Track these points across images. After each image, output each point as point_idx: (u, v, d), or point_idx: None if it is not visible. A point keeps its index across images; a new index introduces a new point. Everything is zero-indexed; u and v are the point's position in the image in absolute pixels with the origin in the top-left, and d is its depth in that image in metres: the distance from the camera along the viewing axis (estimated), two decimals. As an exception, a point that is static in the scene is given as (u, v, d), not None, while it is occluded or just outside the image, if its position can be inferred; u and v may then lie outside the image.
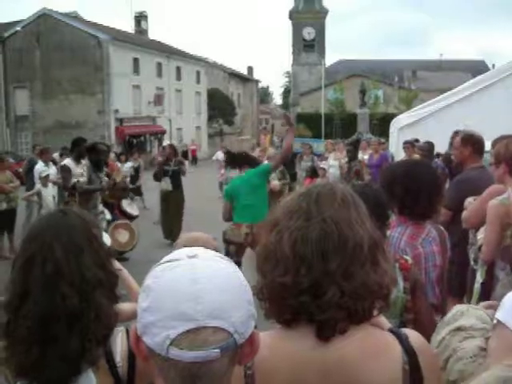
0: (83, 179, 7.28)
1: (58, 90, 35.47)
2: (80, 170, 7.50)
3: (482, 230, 3.52)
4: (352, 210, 1.37)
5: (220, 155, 20.27)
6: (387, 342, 1.35)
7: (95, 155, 7.56)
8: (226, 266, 1.00)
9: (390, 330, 1.40)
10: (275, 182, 10.91)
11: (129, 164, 15.32)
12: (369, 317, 1.34)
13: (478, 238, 3.56)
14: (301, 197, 1.40)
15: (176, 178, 10.94)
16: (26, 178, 11.24)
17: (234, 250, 6.04)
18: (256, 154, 14.26)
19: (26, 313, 1.51)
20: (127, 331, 1.60)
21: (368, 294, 1.31)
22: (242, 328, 0.95)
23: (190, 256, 0.99)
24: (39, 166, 10.50)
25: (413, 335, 1.39)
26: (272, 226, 1.40)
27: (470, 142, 4.54)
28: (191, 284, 0.93)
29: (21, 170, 12.27)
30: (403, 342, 1.34)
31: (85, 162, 7.62)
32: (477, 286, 2.95)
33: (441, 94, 11.80)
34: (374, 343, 1.33)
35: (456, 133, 4.87)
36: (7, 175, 9.90)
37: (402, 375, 1.30)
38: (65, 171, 8.28)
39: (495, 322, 1.58)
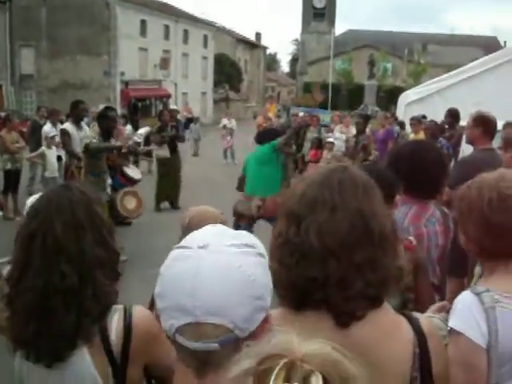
0: (95, 141, 7.25)
1: (64, 50, 35.06)
2: (83, 134, 7.46)
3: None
4: (374, 199, 1.37)
5: (225, 121, 20.17)
6: (400, 324, 1.37)
7: (106, 122, 7.53)
8: (234, 259, 0.99)
9: (403, 314, 1.42)
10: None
11: (143, 130, 15.14)
12: (383, 300, 1.36)
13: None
14: (321, 186, 1.37)
15: (172, 143, 11.04)
16: (30, 140, 11.21)
17: (245, 224, 6.08)
18: (259, 122, 14.24)
19: (25, 286, 1.53)
20: (125, 310, 1.60)
21: (390, 281, 1.34)
22: (245, 324, 0.97)
23: (201, 246, 1.00)
24: (47, 128, 10.48)
25: (423, 319, 1.42)
26: (292, 217, 1.37)
27: (482, 123, 4.50)
28: (193, 279, 0.96)
29: (25, 130, 12.26)
30: (415, 325, 1.37)
31: (95, 128, 7.56)
32: (478, 268, 2.96)
33: (450, 69, 11.67)
34: (388, 326, 1.35)
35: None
36: (13, 136, 9.89)
37: (412, 357, 1.33)
38: (64, 135, 8.29)
39: (449, 329, 1.61)
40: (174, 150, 11.10)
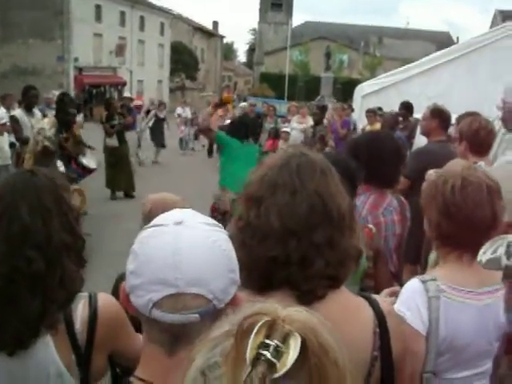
0: (50, 133, 7.10)
1: (16, 34, 33.92)
2: (35, 120, 7.30)
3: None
4: (331, 181, 1.41)
5: (180, 110, 20.03)
6: (360, 304, 1.41)
7: (63, 115, 7.40)
8: (210, 234, 1.04)
9: (361, 295, 1.47)
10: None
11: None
12: (344, 280, 1.40)
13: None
14: (281, 169, 1.41)
15: (121, 132, 11.00)
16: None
17: (220, 218, 5.99)
18: (218, 113, 14.17)
19: None
20: (90, 297, 1.58)
21: (349, 261, 1.38)
22: (222, 295, 1.01)
23: (177, 222, 1.02)
24: (0, 113, 10.19)
25: (381, 300, 1.47)
26: (252, 200, 1.40)
27: (438, 115, 4.62)
28: (173, 254, 0.99)
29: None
30: (374, 305, 1.41)
31: (52, 120, 7.41)
32: (432, 256, 3.06)
33: (404, 63, 11.87)
34: (349, 306, 1.39)
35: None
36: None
37: (373, 336, 1.37)
38: (13, 122, 8.18)
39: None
40: (122, 139, 11.06)
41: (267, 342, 0.63)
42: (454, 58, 9.80)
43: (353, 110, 12.06)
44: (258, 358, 0.61)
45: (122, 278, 2.24)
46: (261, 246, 1.34)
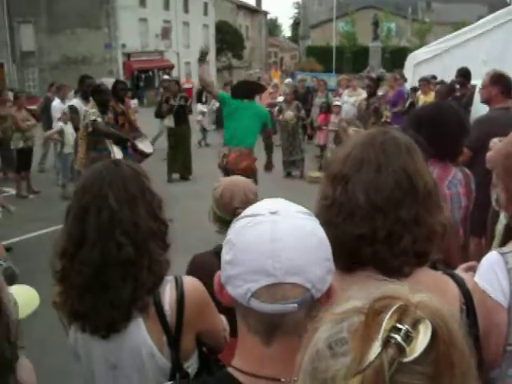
0: (100, 119, 7.24)
1: (64, 25, 34.69)
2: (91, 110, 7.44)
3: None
4: (416, 158, 1.42)
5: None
6: (446, 283, 1.42)
7: (98, 96, 7.49)
8: (306, 223, 1.04)
9: (445, 272, 1.47)
10: (289, 113, 10.92)
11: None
12: (430, 257, 1.41)
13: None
14: (365, 147, 1.42)
15: (179, 114, 10.95)
16: (42, 117, 11.15)
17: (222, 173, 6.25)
18: (268, 91, 14.14)
19: (81, 260, 1.56)
20: (176, 281, 1.64)
21: (435, 237, 1.38)
22: (319, 284, 1.01)
23: (272, 212, 1.02)
24: (56, 103, 10.47)
25: (467, 278, 1.47)
26: (337, 179, 1.41)
27: (499, 82, 4.47)
28: (271, 242, 0.98)
29: (33, 107, 12.22)
30: (459, 282, 1.41)
31: (92, 103, 7.50)
32: (500, 227, 3.00)
33: (455, 27, 11.49)
34: (435, 284, 1.39)
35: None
36: (23, 113, 9.88)
37: (460, 315, 1.37)
38: (72, 111, 8.35)
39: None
40: (180, 120, 11.01)
41: (399, 326, 0.63)
42: (510, 19, 9.41)
43: (405, 80, 11.79)
44: (388, 340, 0.62)
45: (192, 262, 2.32)
46: (347, 223, 1.35)
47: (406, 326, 0.63)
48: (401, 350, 0.62)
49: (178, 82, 12.56)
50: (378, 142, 1.42)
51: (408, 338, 0.63)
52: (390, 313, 0.64)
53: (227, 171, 6.03)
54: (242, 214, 1.07)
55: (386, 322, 0.63)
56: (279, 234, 0.99)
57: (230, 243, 1.04)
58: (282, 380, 1.02)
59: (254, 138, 6.41)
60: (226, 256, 1.04)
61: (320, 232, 1.05)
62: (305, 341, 0.74)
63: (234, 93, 6.55)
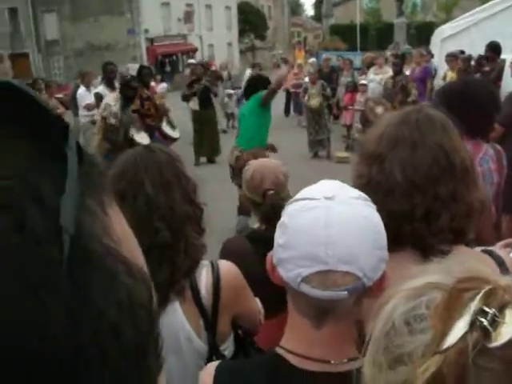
0: (116, 108, 7.24)
1: (87, 12, 34.84)
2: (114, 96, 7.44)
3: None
4: (452, 135, 1.41)
5: (249, 72, 19.82)
6: (486, 260, 1.40)
7: (126, 91, 7.50)
8: (362, 209, 1.02)
9: (483, 250, 1.46)
10: (314, 101, 10.82)
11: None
12: (469, 234, 1.40)
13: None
14: (400, 125, 1.41)
15: (204, 97, 10.89)
16: (71, 105, 11.16)
17: (231, 172, 6.24)
18: (292, 73, 14.03)
19: None
20: (212, 265, 1.65)
21: (473, 214, 1.38)
22: (371, 272, 0.99)
23: (328, 197, 1.01)
24: (81, 91, 10.54)
25: (504, 255, 1.45)
26: (372, 158, 1.41)
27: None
28: (325, 228, 0.97)
29: (60, 95, 12.34)
30: (498, 261, 1.40)
31: (115, 93, 7.50)
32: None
33: (482, 1, 11.23)
34: None
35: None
36: (53, 102, 9.99)
37: None
38: (97, 99, 8.42)
39: None
40: (206, 104, 10.95)
41: (486, 309, 0.61)
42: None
43: (432, 56, 11.57)
44: (473, 323, 0.60)
45: (224, 247, 2.33)
46: (385, 201, 1.33)
47: (494, 310, 0.61)
48: (486, 335, 0.60)
49: (203, 65, 12.55)
50: (413, 120, 1.41)
51: (494, 322, 0.60)
52: (480, 295, 0.62)
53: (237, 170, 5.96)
54: (298, 196, 1.06)
55: (475, 304, 0.61)
56: (334, 220, 0.98)
57: (284, 226, 1.03)
58: (332, 362, 1.03)
59: (261, 135, 6.21)
60: (278, 239, 1.03)
61: (376, 219, 1.04)
62: (373, 316, 0.72)
63: (245, 93, 6.49)
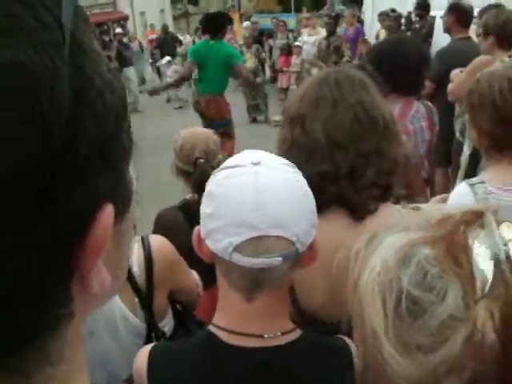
0: None
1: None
2: None
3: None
4: (371, 91, 1.41)
5: (188, 38, 19.51)
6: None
7: None
8: (290, 174, 1.00)
9: (411, 208, 1.47)
10: (249, 63, 10.73)
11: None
12: (394, 189, 1.41)
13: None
14: (320, 85, 1.41)
15: None
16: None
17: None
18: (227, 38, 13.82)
19: None
20: (143, 240, 1.60)
21: (397, 168, 1.39)
22: (304, 237, 0.97)
23: (255, 163, 0.97)
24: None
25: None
26: (294, 120, 1.40)
27: (455, 11, 4.41)
28: (255, 194, 0.93)
29: None
30: None
31: None
32: (464, 157, 3.04)
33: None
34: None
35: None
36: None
37: None
38: None
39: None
40: None
41: (496, 236, 0.62)
42: None
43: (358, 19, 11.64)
44: (496, 254, 0.60)
45: (157, 220, 2.28)
46: (309, 163, 1.32)
47: (500, 234, 0.62)
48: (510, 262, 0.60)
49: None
50: (332, 79, 1.41)
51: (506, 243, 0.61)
52: (503, 225, 0.63)
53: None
54: (223, 165, 1.02)
55: (500, 236, 0.61)
56: (263, 185, 0.94)
57: (211, 195, 0.98)
58: (265, 336, 1.01)
59: (220, 83, 6.09)
60: (205, 209, 0.98)
61: (304, 184, 1.02)
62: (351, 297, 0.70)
63: (203, 29, 6.42)
